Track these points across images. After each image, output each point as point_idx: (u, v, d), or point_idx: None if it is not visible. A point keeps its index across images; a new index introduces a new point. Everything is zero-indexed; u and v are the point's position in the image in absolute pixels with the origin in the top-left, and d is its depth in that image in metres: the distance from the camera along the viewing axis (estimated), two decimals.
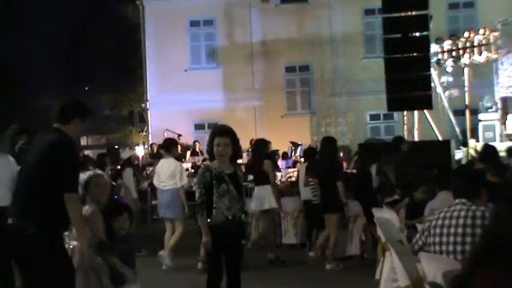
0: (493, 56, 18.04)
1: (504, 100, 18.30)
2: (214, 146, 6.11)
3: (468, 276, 3.40)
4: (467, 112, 19.29)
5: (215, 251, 6.02)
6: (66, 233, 5.22)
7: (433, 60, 17.80)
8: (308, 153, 11.89)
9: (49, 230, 4.69)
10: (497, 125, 18.01)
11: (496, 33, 17.99)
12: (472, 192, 4.68)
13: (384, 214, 7.55)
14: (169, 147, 10.59)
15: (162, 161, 10.61)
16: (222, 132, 6.19)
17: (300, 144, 19.03)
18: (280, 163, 17.14)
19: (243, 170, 18.56)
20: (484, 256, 3.36)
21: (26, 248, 4.66)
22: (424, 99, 14.21)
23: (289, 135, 21.00)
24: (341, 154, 11.56)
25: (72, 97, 5.30)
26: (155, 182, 10.68)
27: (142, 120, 29.05)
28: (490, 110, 18.28)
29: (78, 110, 5.00)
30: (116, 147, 23.13)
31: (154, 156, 17.21)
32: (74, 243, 5.26)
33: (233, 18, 25.26)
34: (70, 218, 4.74)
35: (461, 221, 4.52)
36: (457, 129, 19.60)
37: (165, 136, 21.55)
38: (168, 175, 10.22)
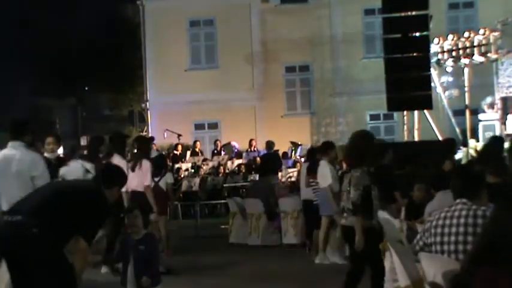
0: (493, 56, 18.03)
1: (504, 100, 18.30)
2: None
3: (467, 276, 3.40)
4: (467, 112, 19.28)
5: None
6: None
7: (433, 60, 17.79)
8: (310, 153, 11.89)
9: (51, 234, 4.68)
10: (497, 125, 18.00)
11: (496, 33, 17.98)
12: (473, 192, 4.67)
13: (384, 214, 7.54)
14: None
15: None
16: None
17: (300, 144, 19.05)
18: None
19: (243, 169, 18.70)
20: (483, 256, 3.37)
21: (25, 246, 4.65)
22: (424, 99, 14.22)
23: (289, 135, 21.00)
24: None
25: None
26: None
27: (142, 120, 29.09)
28: (489, 110, 18.28)
29: (121, 178, 5.22)
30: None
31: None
32: None
33: (233, 18, 25.24)
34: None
35: (462, 221, 4.52)
36: (457, 129, 19.59)
37: (165, 136, 21.60)
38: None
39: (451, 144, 11.65)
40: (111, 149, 9.46)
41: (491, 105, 18.33)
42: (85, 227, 4.81)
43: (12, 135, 6.72)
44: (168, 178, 11.10)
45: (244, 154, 20.23)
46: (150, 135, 25.23)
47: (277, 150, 18.29)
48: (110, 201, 5.05)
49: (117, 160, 8.84)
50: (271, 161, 16.65)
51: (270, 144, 17.71)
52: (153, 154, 11.14)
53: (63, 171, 8.65)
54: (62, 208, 4.76)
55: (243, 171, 18.71)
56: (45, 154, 8.39)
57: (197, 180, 17.06)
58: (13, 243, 4.70)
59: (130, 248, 5.91)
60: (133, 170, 9.13)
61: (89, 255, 4.97)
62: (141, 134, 13.10)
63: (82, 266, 4.86)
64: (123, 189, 9.38)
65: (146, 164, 9.20)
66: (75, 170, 8.63)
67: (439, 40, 18.54)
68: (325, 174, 9.74)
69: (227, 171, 19.03)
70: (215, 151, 21.06)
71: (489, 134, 17.69)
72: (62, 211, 4.75)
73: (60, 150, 9.53)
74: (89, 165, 8.71)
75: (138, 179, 9.13)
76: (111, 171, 5.27)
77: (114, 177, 5.16)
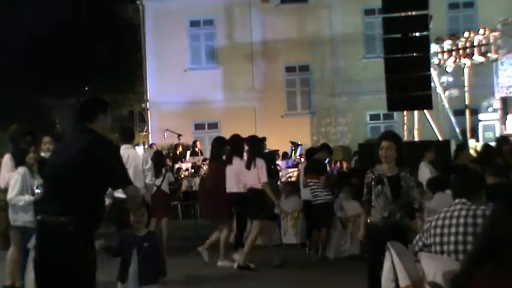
0: (493, 56, 18.03)
1: (504, 100, 18.30)
2: (379, 150, 6.48)
3: (467, 276, 3.40)
4: (467, 112, 19.29)
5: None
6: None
7: (433, 60, 17.80)
8: (308, 153, 11.89)
9: (85, 229, 4.77)
10: (497, 125, 18.01)
11: (496, 33, 17.99)
12: (472, 192, 4.67)
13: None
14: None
15: None
16: (386, 137, 6.61)
17: (300, 144, 19.04)
18: (281, 163, 17.15)
19: None
20: (482, 256, 3.36)
21: (61, 245, 4.72)
22: (424, 99, 14.19)
23: (289, 135, 21.00)
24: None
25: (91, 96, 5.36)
26: None
27: (142, 120, 29.08)
28: (489, 110, 18.29)
29: (101, 106, 5.15)
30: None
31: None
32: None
33: (233, 18, 25.26)
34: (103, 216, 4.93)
35: (461, 220, 4.52)
36: (457, 129, 19.60)
37: (165, 136, 21.59)
38: None
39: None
40: (232, 152, 10.01)
41: (492, 106, 18.35)
42: (111, 179, 4.93)
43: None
44: (169, 177, 11.48)
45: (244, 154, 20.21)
46: (150, 135, 25.26)
47: (278, 150, 18.28)
48: (103, 134, 5.07)
49: (237, 162, 9.72)
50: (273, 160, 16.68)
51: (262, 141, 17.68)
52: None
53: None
54: (87, 187, 4.78)
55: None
56: (42, 154, 8.39)
57: (197, 180, 17.06)
58: (50, 242, 4.78)
59: (133, 244, 5.95)
60: (248, 168, 9.58)
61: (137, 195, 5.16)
62: (237, 134, 13.39)
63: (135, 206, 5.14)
64: (237, 190, 9.70)
65: (260, 162, 9.60)
66: None
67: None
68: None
69: None
70: None
71: (489, 134, 17.72)
72: (88, 189, 4.79)
73: None
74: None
75: (254, 176, 9.55)
76: (86, 105, 5.18)
77: (88, 107, 5.11)
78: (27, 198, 7.86)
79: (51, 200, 4.90)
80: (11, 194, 7.92)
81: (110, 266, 6.10)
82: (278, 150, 18.39)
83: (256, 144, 10.36)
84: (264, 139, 13.25)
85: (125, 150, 8.46)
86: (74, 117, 5.20)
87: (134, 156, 9.18)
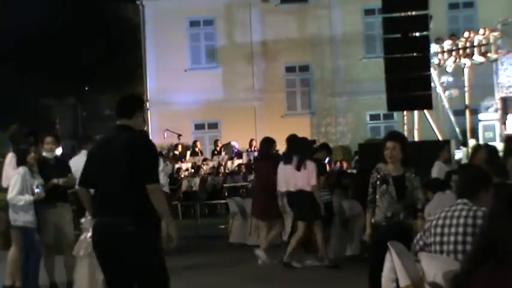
0: (493, 56, 18.03)
1: (504, 100, 18.30)
2: (384, 150, 6.49)
3: (467, 276, 3.40)
4: (467, 112, 19.29)
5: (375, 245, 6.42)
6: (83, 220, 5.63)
7: (433, 60, 17.80)
8: None
9: (145, 227, 4.81)
10: (497, 125, 18.01)
11: (496, 33, 17.99)
12: (473, 193, 4.67)
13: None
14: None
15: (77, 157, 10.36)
16: (391, 137, 6.66)
17: None
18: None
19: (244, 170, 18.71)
20: (482, 256, 3.36)
21: (123, 246, 4.77)
22: (424, 99, 14.19)
23: None
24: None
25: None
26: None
27: (143, 120, 29.03)
28: (489, 110, 18.28)
29: (138, 103, 5.28)
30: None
31: None
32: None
33: (233, 18, 25.26)
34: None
35: (461, 221, 4.52)
36: (457, 129, 19.60)
37: (165, 136, 21.59)
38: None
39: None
40: (291, 151, 9.92)
41: (492, 106, 18.34)
42: (146, 172, 4.90)
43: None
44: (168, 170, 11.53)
45: (244, 154, 20.23)
46: (150, 135, 25.26)
47: (277, 151, 18.28)
48: (140, 126, 5.20)
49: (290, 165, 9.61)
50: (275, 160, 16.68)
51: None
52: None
53: None
54: (136, 184, 4.82)
55: (243, 171, 18.71)
56: (44, 154, 8.39)
57: (197, 180, 17.09)
58: (112, 243, 4.82)
59: None
60: (298, 169, 9.55)
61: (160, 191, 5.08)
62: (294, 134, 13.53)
63: (163, 204, 4.98)
64: (289, 189, 9.72)
65: (311, 165, 9.58)
66: None
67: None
68: None
69: (227, 171, 19.04)
70: (215, 151, 21.07)
71: (489, 134, 17.72)
72: (138, 187, 4.82)
73: (59, 151, 9.52)
74: None
75: (303, 178, 9.54)
76: (124, 101, 5.28)
77: (127, 104, 5.20)
78: (27, 197, 7.87)
79: (106, 201, 4.93)
80: (11, 194, 7.93)
81: None
82: (278, 151, 18.36)
83: (307, 147, 10.42)
84: (314, 141, 13.09)
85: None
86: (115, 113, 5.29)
87: None
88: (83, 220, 5.85)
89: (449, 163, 10.49)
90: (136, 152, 4.88)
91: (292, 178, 9.71)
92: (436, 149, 11.61)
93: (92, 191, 5.16)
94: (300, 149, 9.93)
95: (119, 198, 4.85)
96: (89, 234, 5.75)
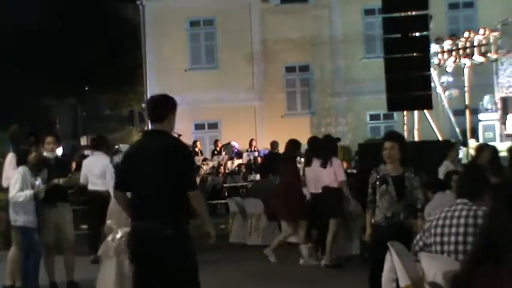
0: (493, 56, 18.03)
1: (504, 100, 18.30)
2: (383, 150, 6.52)
3: (467, 276, 3.40)
4: (467, 112, 19.29)
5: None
6: (109, 221, 5.72)
7: (433, 60, 17.80)
8: (307, 153, 11.88)
9: (181, 230, 4.93)
10: (497, 125, 18.00)
11: (496, 33, 17.99)
12: (473, 193, 4.67)
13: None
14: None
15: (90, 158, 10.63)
16: (389, 137, 6.68)
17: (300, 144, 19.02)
18: None
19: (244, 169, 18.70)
20: (482, 256, 3.36)
21: (161, 250, 4.84)
22: (424, 99, 14.18)
23: (289, 135, 20.88)
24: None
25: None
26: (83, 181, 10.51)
27: (143, 120, 29.02)
28: (489, 111, 18.29)
29: (171, 105, 5.29)
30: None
31: None
32: (125, 229, 5.68)
33: (233, 18, 25.24)
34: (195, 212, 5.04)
35: (462, 221, 4.52)
36: (457, 129, 19.59)
37: None
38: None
39: None
40: (311, 153, 10.07)
41: (492, 105, 18.34)
42: (188, 180, 5.05)
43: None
44: None
45: (244, 154, 20.23)
46: None
47: (278, 151, 18.30)
48: (172, 128, 5.25)
49: (316, 164, 9.77)
50: (276, 160, 16.69)
51: (274, 145, 17.82)
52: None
53: None
54: (174, 189, 4.92)
55: (243, 171, 18.71)
56: (45, 153, 8.39)
57: (197, 180, 17.07)
58: (150, 248, 4.87)
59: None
60: (324, 167, 9.67)
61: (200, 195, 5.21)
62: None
63: (204, 208, 5.19)
64: (315, 190, 9.79)
65: (337, 161, 9.73)
66: None
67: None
68: None
69: (227, 171, 19.03)
70: (215, 151, 21.06)
71: (489, 134, 17.72)
72: (175, 192, 4.92)
73: (60, 151, 9.53)
74: None
75: (330, 175, 9.64)
76: (154, 105, 5.29)
77: (159, 107, 5.21)
78: (28, 192, 7.86)
79: (143, 205, 4.98)
80: (11, 193, 7.93)
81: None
82: (278, 150, 18.38)
83: (332, 144, 10.43)
84: (338, 139, 13.12)
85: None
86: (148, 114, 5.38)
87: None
88: (108, 221, 5.87)
89: (456, 163, 10.53)
90: (175, 158, 4.95)
91: (316, 178, 9.73)
92: (443, 148, 11.63)
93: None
94: (324, 147, 9.97)
95: (156, 202, 4.91)
96: (118, 235, 5.78)
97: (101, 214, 7.67)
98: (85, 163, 10.81)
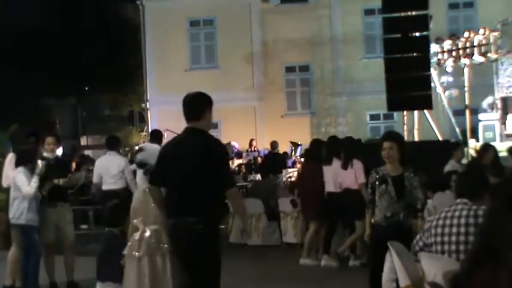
0: (493, 56, 18.03)
1: (504, 100, 18.30)
2: (382, 150, 6.53)
3: (467, 276, 3.40)
4: (467, 112, 19.28)
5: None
6: (136, 220, 5.78)
7: (433, 60, 17.80)
8: (308, 153, 11.87)
9: (213, 226, 5.09)
10: (497, 125, 18.00)
11: (496, 33, 17.98)
12: (473, 193, 4.67)
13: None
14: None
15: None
16: (387, 137, 6.69)
17: (300, 144, 19.04)
18: None
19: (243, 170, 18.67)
20: (482, 256, 3.36)
21: (193, 245, 4.99)
22: (424, 99, 14.20)
23: (289, 135, 20.99)
24: None
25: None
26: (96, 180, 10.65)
27: (142, 120, 29.07)
28: (488, 111, 18.30)
29: (207, 103, 5.41)
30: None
31: None
32: (153, 227, 5.76)
33: (233, 18, 25.23)
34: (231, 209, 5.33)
35: (463, 220, 4.52)
36: (457, 129, 19.59)
37: (165, 136, 21.53)
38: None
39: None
40: (331, 152, 10.01)
41: (492, 106, 18.33)
42: (225, 177, 5.16)
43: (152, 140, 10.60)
44: None
45: (244, 154, 20.22)
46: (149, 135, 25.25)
47: (278, 151, 18.32)
48: (209, 125, 5.36)
49: (336, 164, 9.74)
50: (276, 160, 16.70)
51: (274, 144, 17.82)
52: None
53: None
54: (209, 186, 5.02)
55: (243, 171, 18.69)
56: (45, 154, 8.39)
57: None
58: (184, 244, 5.04)
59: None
60: (345, 168, 9.65)
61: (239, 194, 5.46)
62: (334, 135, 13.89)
63: (241, 205, 5.39)
64: (334, 189, 9.83)
65: (358, 163, 9.65)
66: None
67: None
68: None
69: None
70: None
71: (489, 134, 17.72)
72: (211, 189, 5.03)
73: (60, 151, 9.53)
74: None
75: (350, 176, 9.61)
76: (189, 104, 5.42)
77: (195, 106, 5.36)
78: (34, 179, 7.83)
79: (179, 202, 5.10)
80: (25, 190, 7.84)
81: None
82: (278, 150, 18.40)
83: (353, 145, 10.43)
84: (359, 140, 13.09)
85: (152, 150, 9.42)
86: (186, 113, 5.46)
87: None
88: (135, 221, 5.86)
89: (461, 163, 10.54)
90: (211, 156, 5.07)
91: (335, 178, 9.73)
92: (445, 148, 11.65)
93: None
94: (347, 148, 9.96)
95: (192, 198, 5.03)
96: (147, 234, 5.79)
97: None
98: (99, 163, 10.84)
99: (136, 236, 5.88)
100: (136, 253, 5.83)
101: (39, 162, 7.93)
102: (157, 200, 5.39)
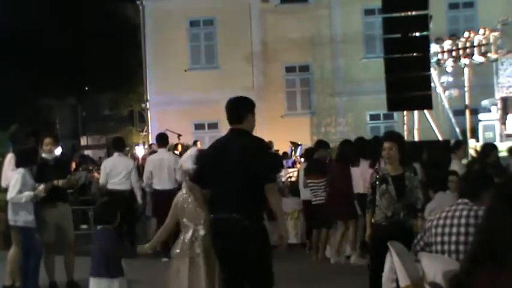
0: (493, 56, 18.02)
1: (504, 100, 18.29)
2: (382, 150, 6.63)
3: (466, 276, 3.40)
4: (467, 112, 19.28)
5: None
6: (185, 219, 5.82)
7: (433, 60, 17.79)
8: (308, 153, 11.87)
9: (259, 223, 5.26)
10: (497, 125, 17.99)
11: (496, 33, 17.97)
12: (474, 193, 4.67)
13: None
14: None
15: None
16: (387, 137, 6.81)
17: (300, 144, 19.03)
18: None
19: None
20: (481, 255, 3.36)
21: (241, 241, 5.10)
22: (424, 99, 14.19)
23: (289, 135, 20.98)
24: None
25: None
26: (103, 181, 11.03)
27: (142, 120, 29.04)
28: (491, 107, 18.29)
29: (250, 106, 5.65)
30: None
31: None
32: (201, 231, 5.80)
33: (233, 18, 25.24)
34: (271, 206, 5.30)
35: (463, 221, 4.52)
36: (457, 129, 19.59)
37: None
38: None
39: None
40: (358, 153, 10.12)
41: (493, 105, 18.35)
42: (266, 172, 5.32)
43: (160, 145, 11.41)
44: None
45: None
46: (150, 135, 25.26)
47: (277, 151, 18.30)
48: (252, 127, 5.68)
49: (363, 165, 9.80)
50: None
51: (269, 145, 17.80)
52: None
53: None
54: (253, 183, 5.18)
55: None
56: (43, 155, 8.38)
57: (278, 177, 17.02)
58: (231, 239, 5.16)
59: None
60: (373, 167, 9.55)
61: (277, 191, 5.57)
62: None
63: (278, 202, 5.46)
64: (363, 190, 9.76)
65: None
66: None
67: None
68: None
69: None
70: None
71: (489, 134, 17.71)
72: (254, 186, 5.19)
73: (59, 150, 9.53)
74: None
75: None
76: (232, 107, 5.60)
77: (238, 109, 5.57)
78: (27, 194, 7.85)
79: (223, 200, 5.25)
80: (11, 194, 7.91)
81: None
82: (278, 150, 18.39)
83: (380, 144, 10.45)
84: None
85: (160, 154, 11.08)
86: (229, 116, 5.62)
87: (168, 158, 10.96)
88: (184, 220, 5.88)
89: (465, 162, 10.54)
90: (255, 155, 5.30)
91: (363, 179, 9.71)
92: (453, 147, 11.63)
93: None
94: (374, 148, 9.95)
95: (237, 196, 5.19)
96: (201, 232, 5.80)
97: (121, 213, 7.81)
98: (107, 163, 11.12)
99: (188, 235, 5.89)
100: (188, 252, 5.84)
101: (41, 187, 7.93)
102: (198, 200, 5.63)
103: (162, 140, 11.60)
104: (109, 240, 5.95)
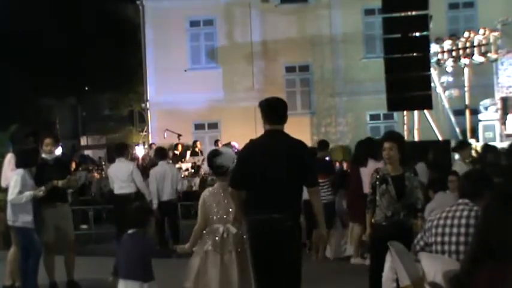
0: (493, 56, 18.02)
1: (504, 100, 18.29)
2: (382, 151, 6.65)
3: (466, 276, 3.40)
4: (467, 112, 19.28)
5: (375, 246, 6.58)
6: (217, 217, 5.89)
7: (433, 60, 17.79)
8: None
9: (296, 223, 5.42)
10: (497, 125, 17.99)
11: (496, 33, 17.97)
12: (475, 193, 4.66)
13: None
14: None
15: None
16: (388, 138, 6.80)
17: None
18: None
19: None
20: (480, 255, 3.36)
21: (285, 241, 5.25)
22: (424, 99, 14.19)
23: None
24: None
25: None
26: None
27: (142, 120, 29.07)
28: (489, 108, 18.29)
29: (286, 108, 5.68)
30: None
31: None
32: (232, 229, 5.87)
33: (233, 18, 25.25)
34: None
35: (464, 221, 4.51)
36: (457, 129, 19.58)
37: (165, 136, 21.58)
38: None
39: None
40: (366, 154, 10.09)
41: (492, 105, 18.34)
42: (310, 176, 5.49)
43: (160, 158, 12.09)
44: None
45: None
46: (150, 135, 25.27)
47: None
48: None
49: (372, 164, 9.63)
50: None
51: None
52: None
53: None
54: (294, 184, 5.37)
55: None
56: (43, 155, 8.37)
57: (197, 180, 17.07)
58: (274, 239, 5.24)
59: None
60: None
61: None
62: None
63: (320, 205, 5.63)
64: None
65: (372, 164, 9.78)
66: None
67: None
68: None
69: None
70: None
71: (489, 134, 17.71)
72: (295, 186, 5.40)
73: (59, 150, 9.52)
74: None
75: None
76: (271, 109, 5.77)
77: (279, 110, 5.64)
78: (27, 194, 7.84)
79: (265, 201, 5.32)
80: (12, 195, 7.89)
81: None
82: None
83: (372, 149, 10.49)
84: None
85: (162, 167, 11.68)
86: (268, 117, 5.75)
87: (171, 170, 11.77)
88: (213, 217, 5.91)
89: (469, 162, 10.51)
90: (296, 156, 5.38)
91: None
92: (457, 148, 11.65)
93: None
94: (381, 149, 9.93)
95: (279, 196, 5.29)
96: (233, 231, 5.84)
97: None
98: (111, 170, 11.75)
99: (219, 233, 5.90)
100: (220, 249, 5.87)
101: (41, 189, 7.94)
102: (237, 203, 5.62)
103: (161, 153, 12.38)
104: (147, 244, 5.98)
